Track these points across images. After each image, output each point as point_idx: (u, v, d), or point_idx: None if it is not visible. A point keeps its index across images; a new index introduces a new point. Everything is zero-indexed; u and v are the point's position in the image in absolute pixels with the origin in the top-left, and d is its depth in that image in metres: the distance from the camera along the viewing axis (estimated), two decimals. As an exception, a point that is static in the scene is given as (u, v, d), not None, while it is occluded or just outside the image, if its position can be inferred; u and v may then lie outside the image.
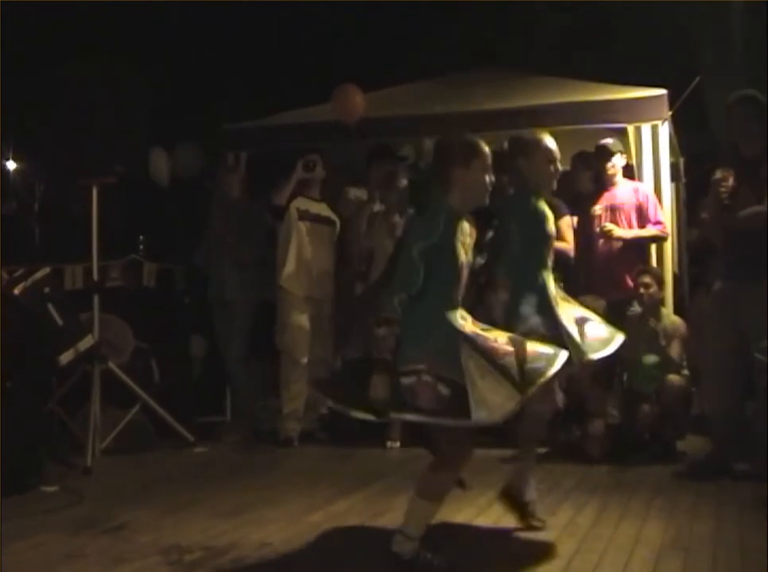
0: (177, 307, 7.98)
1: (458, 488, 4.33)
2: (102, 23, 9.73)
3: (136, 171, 7.69)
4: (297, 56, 11.42)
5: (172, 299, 7.93)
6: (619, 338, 4.56)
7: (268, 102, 9.19)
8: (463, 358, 3.78)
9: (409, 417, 3.76)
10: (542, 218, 4.61)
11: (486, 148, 4.05)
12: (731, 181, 5.74)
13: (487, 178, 4.01)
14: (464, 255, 3.95)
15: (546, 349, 3.96)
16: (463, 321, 3.95)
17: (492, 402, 3.72)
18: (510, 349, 3.85)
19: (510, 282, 4.54)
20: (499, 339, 3.91)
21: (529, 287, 4.51)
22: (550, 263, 4.67)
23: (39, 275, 6.36)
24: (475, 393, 3.71)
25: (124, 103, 6.82)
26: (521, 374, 3.78)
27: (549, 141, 4.67)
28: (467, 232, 4.02)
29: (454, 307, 3.94)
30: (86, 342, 6.56)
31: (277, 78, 11.33)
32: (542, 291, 4.53)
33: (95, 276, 6.97)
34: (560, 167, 4.69)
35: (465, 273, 3.99)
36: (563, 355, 3.94)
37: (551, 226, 4.65)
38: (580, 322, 4.51)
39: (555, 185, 4.72)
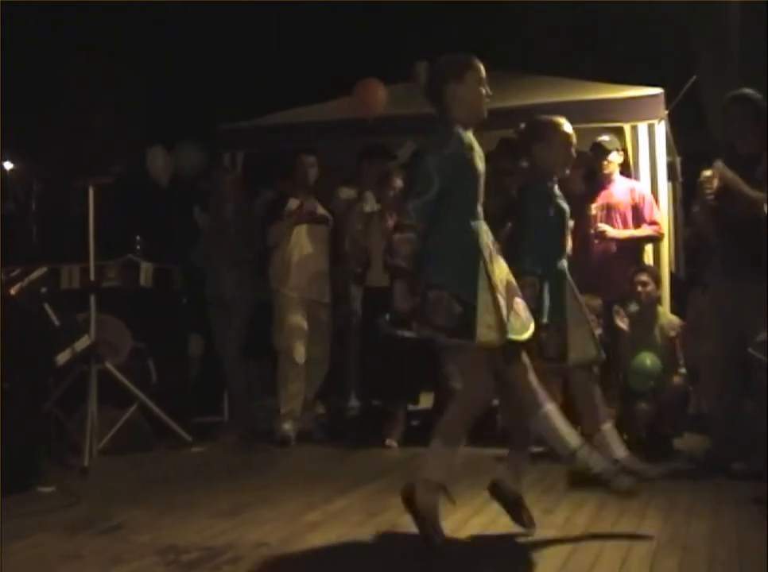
0: (175, 307, 7.98)
1: (447, 501, 4.30)
2: (101, 23, 9.73)
3: (133, 171, 7.69)
4: (294, 55, 11.42)
5: (170, 299, 7.92)
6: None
7: (265, 101, 9.18)
8: (480, 280, 3.94)
9: (426, 333, 3.92)
10: (559, 202, 4.65)
11: (478, 62, 4.11)
12: (715, 182, 5.76)
13: (483, 90, 4.08)
14: (480, 164, 4.06)
15: (525, 315, 4.14)
16: (487, 236, 4.09)
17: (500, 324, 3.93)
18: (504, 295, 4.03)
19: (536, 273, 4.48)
20: (500, 276, 4.09)
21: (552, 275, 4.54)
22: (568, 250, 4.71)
23: (35, 275, 6.35)
24: (486, 316, 3.89)
25: (122, 103, 6.82)
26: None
27: (566, 125, 4.66)
28: (477, 143, 4.11)
29: (477, 219, 4.05)
30: (83, 342, 6.54)
31: (274, 77, 11.33)
32: (562, 280, 4.58)
33: (92, 276, 6.96)
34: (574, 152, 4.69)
35: (482, 182, 4.09)
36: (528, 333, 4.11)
37: (566, 208, 4.68)
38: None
39: (568, 169, 4.75)
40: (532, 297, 4.31)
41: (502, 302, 4.02)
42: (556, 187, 4.68)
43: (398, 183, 7.22)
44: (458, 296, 3.89)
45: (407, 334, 4.49)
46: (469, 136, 4.07)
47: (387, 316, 4.63)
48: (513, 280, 4.21)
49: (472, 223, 4.02)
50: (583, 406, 4.61)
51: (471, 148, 4.03)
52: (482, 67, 4.11)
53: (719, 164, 5.78)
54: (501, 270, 4.14)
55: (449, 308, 3.86)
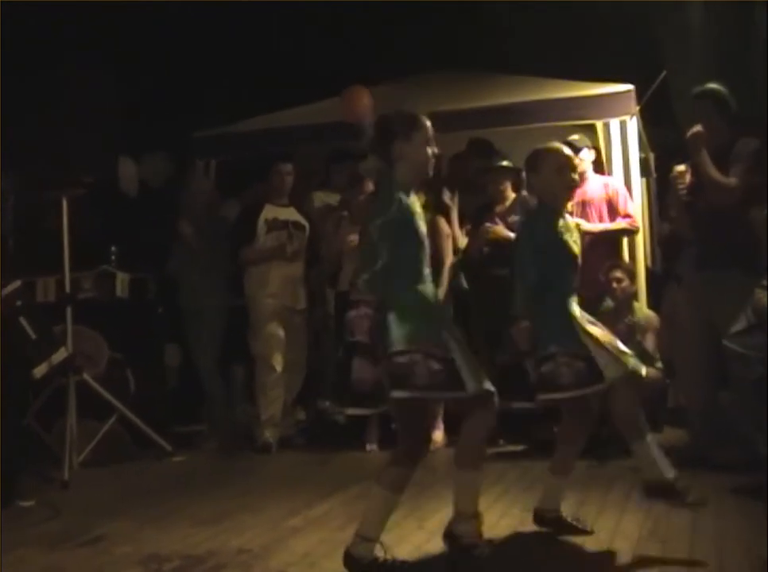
0: (151, 317, 7.95)
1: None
2: (71, 32, 9.69)
3: (105, 181, 7.66)
4: (265, 61, 11.40)
5: (146, 309, 7.89)
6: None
7: (238, 108, 9.16)
8: (444, 336, 3.92)
9: (403, 395, 3.82)
10: (559, 237, 4.48)
11: (427, 121, 4.03)
12: (688, 177, 5.80)
13: (429, 150, 3.99)
14: (423, 226, 3.98)
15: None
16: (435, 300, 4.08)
17: (477, 374, 3.94)
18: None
19: (528, 313, 4.42)
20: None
21: (552, 315, 4.42)
22: (575, 286, 4.57)
23: (10, 288, 6.30)
24: (464, 366, 3.88)
25: (93, 112, 6.79)
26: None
27: (561, 152, 4.54)
28: (419, 205, 4.04)
29: (426, 281, 3.99)
30: (60, 355, 6.50)
31: (245, 83, 11.31)
32: (567, 320, 4.42)
33: (68, 288, 6.93)
34: (576, 178, 4.56)
35: (427, 245, 4.02)
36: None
37: (572, 247, 4.53)
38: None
39: (571, 197, 4.69)
40: (524, 341, 4.37)
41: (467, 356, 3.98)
42: (567, 220, 4.58)
43: (369, 186, 7.21)
44: (433, 355, 3.84)
45: (356, 412, 4.45)
46: (412, 199, 3.99)
47: (327, 403, 4.55)
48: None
49: (420, 287, 3.96)
50: (623, 421, 4.43)
51: (413, 211, 3.96)
52: (429, 126, 4.03)
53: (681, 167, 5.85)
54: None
55: (427, 367, 3.81)
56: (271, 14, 11.03)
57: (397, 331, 3.84)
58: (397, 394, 3.83)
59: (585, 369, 4.25)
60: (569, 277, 4.52)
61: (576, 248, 4.54)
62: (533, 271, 4.39)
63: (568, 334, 4.34)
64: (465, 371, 3.88)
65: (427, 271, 4.01)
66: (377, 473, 4.02)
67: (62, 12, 8.82)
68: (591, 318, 4.55)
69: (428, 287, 4.00)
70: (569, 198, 4.65)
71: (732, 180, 5.65)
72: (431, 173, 4.08)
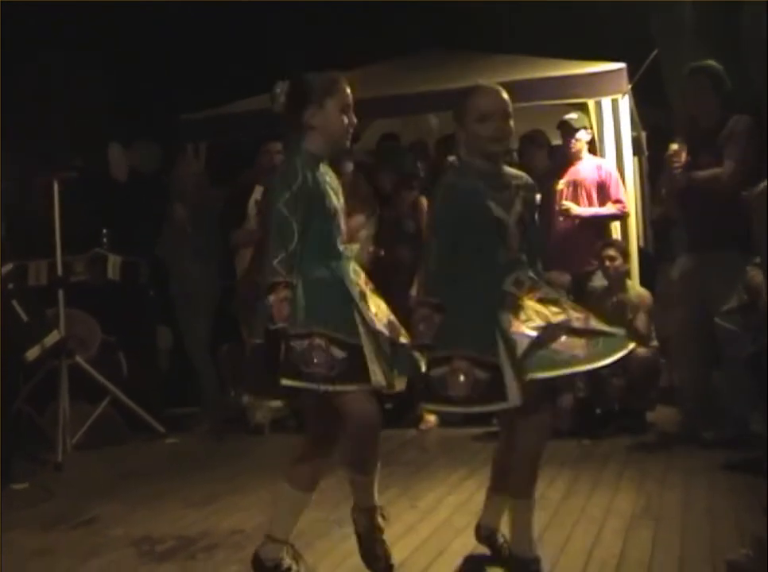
0: (143, 300, 7.93)
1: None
2: (60, 19, 9.64)
3: (95, 167, 7.64)
4: (250, 43, 11.34)
5: (138, 292, 7.87)
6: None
7: (226, 90, 9.12)
8: (357, 319, 3.53)
9: (301, 385, 3.43)
10: (468, 196, 3.59)
11: (344, 85, 3.64)
12: (683, 156, 5.79)
13: (345, 118, 3.62)
14: (336, 200, 3.66)
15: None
16: (356, 275, 3.66)
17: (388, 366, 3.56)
18: (387, 333, 3.59)
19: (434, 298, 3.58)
20: (380, 315, 3.62)
21: (463, 303, 3.54)
22: (506, 266, 3.59)
23: (2, 271, 6.30)
24: (373, 356, 3.50)
25: (82, 99, 6.77)
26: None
27: (484, 93, 3.65)
28: (333, 176, 3.72)
29: (339, 257, 3.63)
30: (52, 338, 6.50)
31: (233, 66, 11.26)
32: (481, 314, 3.52)
33: (60, 271, 6.92)
34: (509, 125, 3.60)
35: (344, 220, 3.71)
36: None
37: (501, 213, 3.59)
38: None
39: (506, 146, 3.77)
40: (425, 333, 3.51)
41: (383, 346, 3.57)
42: (473, 179, 3.61)
43: (349, 167, 7.21)
44: (338, 340, 3.45)
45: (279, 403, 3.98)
46: (322, 170, 3.63)
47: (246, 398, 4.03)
48: (393, 318, 3.69)
49: (333, 264, 3.59)
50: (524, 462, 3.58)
51: (323, 183, 3.60)
52: (348, 91, 3.64)
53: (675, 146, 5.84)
54: (380, 310, 3.65)
55: (328, 354, 3.42)
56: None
57: (300, 311, 3.47)
58: (287, 383, 3.43)
59: (486, 381, 3.39)
60: (495, 254, 3.57)
61: (510, 215, 3.60)
62: (444, 245, 3.58)
63: (478, 333, 3.46)
64: (373, 361, 3.49)
65: (341, 247, 3.64)
66: (285, 471, 3.78)
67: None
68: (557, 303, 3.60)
69: (340, 264, 3.61)
70: (500, 151, 3.67)
71: (728, 165, 5.63)
72: (347, 144, 3.73)
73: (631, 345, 3.55)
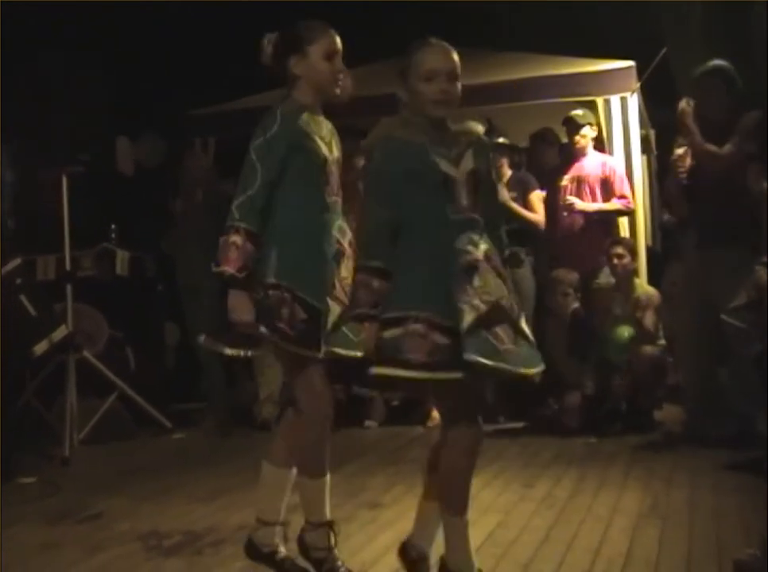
0: (150, 295, 7.95)
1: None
2: (65, 15, 9.65)
3: (102, 161, 7.65)
4: (250, 43, 11.32)
5: (145, 287, 7.90)
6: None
7: (234, 86, 9.11)
8: (326, 280, 3.40)
9: (264, 333, 3.35)
10: (411, 150, 3.20)
11: (329, 32, 3.54)
12: (688, 161, 5.79)
13: (329, 65, 3.49)
14: (327, 150, 3.51)
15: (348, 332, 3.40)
16: (339, 233, 3.50)
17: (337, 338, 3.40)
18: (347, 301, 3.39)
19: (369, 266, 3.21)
20: (349, 280, 3.41)
21: (410, 263, 3.18)
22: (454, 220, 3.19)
23: (10, 266, 6.31)
24: (327, 325, 3.36)
25: (88, 93, 6.78)
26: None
27: (432, 50, 3.28)
28: (327, 126, 3.59)
29: (324, 210, 3.48)
30: (60, 333, 6.51)
31: (233, 65, 11.25)
32: (433, 272, 3.15)
33: (68, 266, 6.93)
34: (456, 88, 3.22)
35: (335, 171, 3.54)
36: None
37: (433, 162, 3.18)
38: None
39: (452, 110, 3.25)
40: (363, 300, 3.16)
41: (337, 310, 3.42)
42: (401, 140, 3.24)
43: (361, 162, 7.19)
44: (301, 299, 3.36)
45: (231, 352, 3.76)
46: (305, 119, 3.47)
47: (203, 337, 3.81)
48: None
49: (315, 216, 3.45)
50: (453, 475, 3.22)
51: (304, 131, 3.45)
52: (333, 38, 3.53)
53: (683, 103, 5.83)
54: (351, 276, 3.40)
55: (292, 312, 3.33)
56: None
57: (274, 261, 3.37)
58: (262, 330, 3.34)
59: (446, 346, 3.03)
60: (443, 212, 3.18)
61: (459, 171, 3.20)
62: (383, 204, 3.20)
63: (432, 294, 3.10)
64: (325, 331, 3.36)
65: (331, 199, 3.49)
66: (267, 449, 3.67)
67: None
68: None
69: (323, 217, 3.47)
70: (445, 115, 3.23)
71: (726, 148, 5.64)
72: (337, 92, 3.54)
73: (540, 367, 3.15)
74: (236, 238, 3.33)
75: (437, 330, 3.03)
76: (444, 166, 3.17)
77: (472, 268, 3.08)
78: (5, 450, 5.64)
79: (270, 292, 3.36)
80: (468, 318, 2.99)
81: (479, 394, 3.27)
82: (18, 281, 6.33)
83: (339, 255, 3.47)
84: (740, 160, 5.61)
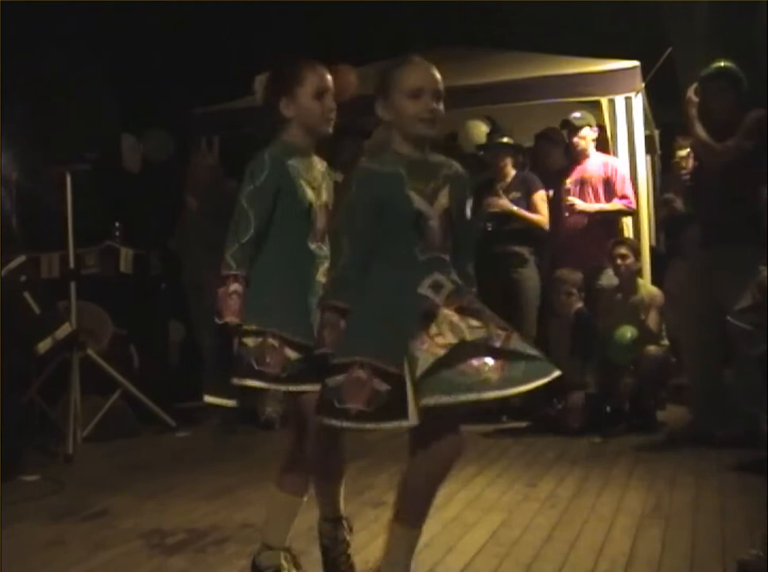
0: (155, 293, 7.95)
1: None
2: (70, 10, 9.66)
3: (108, 158, 7.65)
4: (264, 37, 11.32)
5: (150, 285, 7.89)
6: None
7: (225, 88, 9.12)
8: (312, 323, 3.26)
9: (252, 384, 3.26)
10: (387, 184, 3.09)
11: (318, 70, 3.43)
12: (690, 163, 5.80)
13: (319, 105, 3.40)
14: (313, 195, 3.42)
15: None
16: (326, 277, 3.33)
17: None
18: None
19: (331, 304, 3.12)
20: None
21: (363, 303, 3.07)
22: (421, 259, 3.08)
23: (14, 264, 6.31)
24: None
25: (93, 90, 6.79)
26: None
27: (416, 66, 3.17)
28: (318, 169, 3.50)
29: (308, 257, 3.40)
30: (64, 330, 6.51)
31: (234, 65, 11.25)
32: (384, 312, 3.04)
33: (72, 264, 6.93)
34: (441, 108, 3.13)
35: (321, 217, 3.44)
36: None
37: (407, 197, 3.08)
38: None
39: (437, 131, 3.15)
40: (329, 340, 3.04)
41: None
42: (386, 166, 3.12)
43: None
44: (290, 341, 3.27)
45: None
46: (293, 163, 3.39)
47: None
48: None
49: (299, 263, 3.37)
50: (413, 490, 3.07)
51: (290, 176, 3.37)
52: (322, 75, 3.43)
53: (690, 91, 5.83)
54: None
55: (281, 355, 3.26)
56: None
57: (255, 308, 3.28)
58: (237, 382, 3.27)
59: (386, 394, 2.90)
60: (411, 251, 3.08)
61: (434, 208, 3.10)
62: (357, 240, 3.10)
63: (383, 340, 2.97)
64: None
65: (312, 246, 3.40)
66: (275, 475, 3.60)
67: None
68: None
69: (305, 264, 3.39)
70: (430, 135, 3.14)
71: (728, 143, 5.63)
72: (329, 130, 3.45)
73: (555, 373, 3.00)
74: (236, 287, 3.27)
75: (380, 376, 2.91)
76: (418, 202, 3.07)
77: (430, 315, 2.96)
78: (8, 448, 5.65)
79: (248, 339, 3.28)
80: (425, 365, 2.85)
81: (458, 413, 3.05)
82: (23, 279, 6.34)
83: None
84: (741, 157, 5.61)
